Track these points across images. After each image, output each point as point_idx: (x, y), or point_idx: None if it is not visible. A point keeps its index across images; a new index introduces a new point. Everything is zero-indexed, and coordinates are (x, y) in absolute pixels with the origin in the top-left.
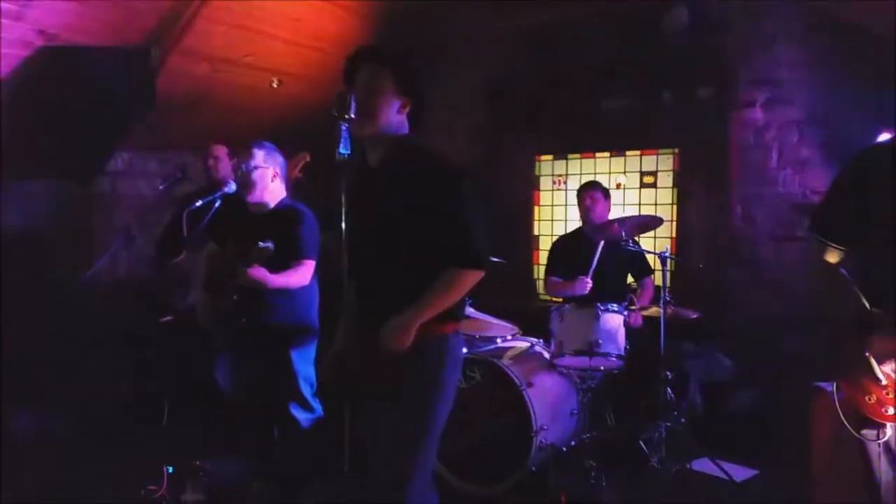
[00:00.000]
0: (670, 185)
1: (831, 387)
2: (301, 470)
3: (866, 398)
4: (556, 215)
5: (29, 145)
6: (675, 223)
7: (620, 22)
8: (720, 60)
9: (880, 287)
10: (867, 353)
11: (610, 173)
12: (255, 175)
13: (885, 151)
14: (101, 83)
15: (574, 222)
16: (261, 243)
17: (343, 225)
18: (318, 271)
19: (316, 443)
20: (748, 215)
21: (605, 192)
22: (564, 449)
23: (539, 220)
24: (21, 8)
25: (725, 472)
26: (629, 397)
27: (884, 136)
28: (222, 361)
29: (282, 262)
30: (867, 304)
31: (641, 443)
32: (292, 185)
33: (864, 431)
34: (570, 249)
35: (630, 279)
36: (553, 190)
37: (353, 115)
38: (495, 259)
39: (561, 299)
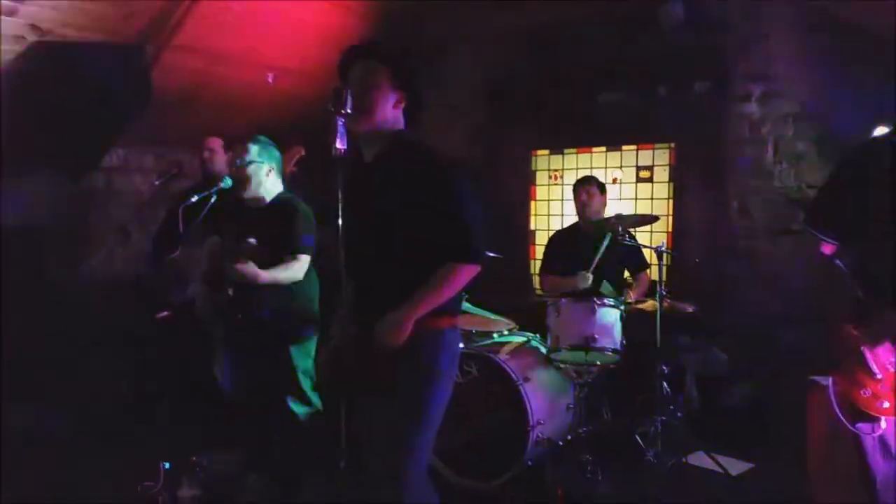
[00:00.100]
0: (666, 179)
1: (827, 381)
2: (298, 465)
3: (861, 392)
4: (552, 210)
5: (22, 142)
6: (671, 217)
7: (617, 18)
8: (716, 55)
9: (876, 280)
10: (862, 347)
11: (606, 168)
12: (250, 170)
13: (881, 146)
14: (95, 79)
15: (570, 217)
16: (249, 239)
17: (339, 220)
18: (317, 266)
19: (313, 438)
20: (744, 209)
21: (602, 187)
22: (561, 443)
23: (535, 215)
24: (14, 3)
25: (721, 466)
26: (625, 391)
27: (879, 131)
28: (220, 356)
29: (276, 257)
30: (863, 298)
31: (637, 437)
32: (288, 179)
33: (860, 425)
34: (566, 244)
35: (626, 273)
36: (549, 185)
37: (349, 111)
38: (492, 254)
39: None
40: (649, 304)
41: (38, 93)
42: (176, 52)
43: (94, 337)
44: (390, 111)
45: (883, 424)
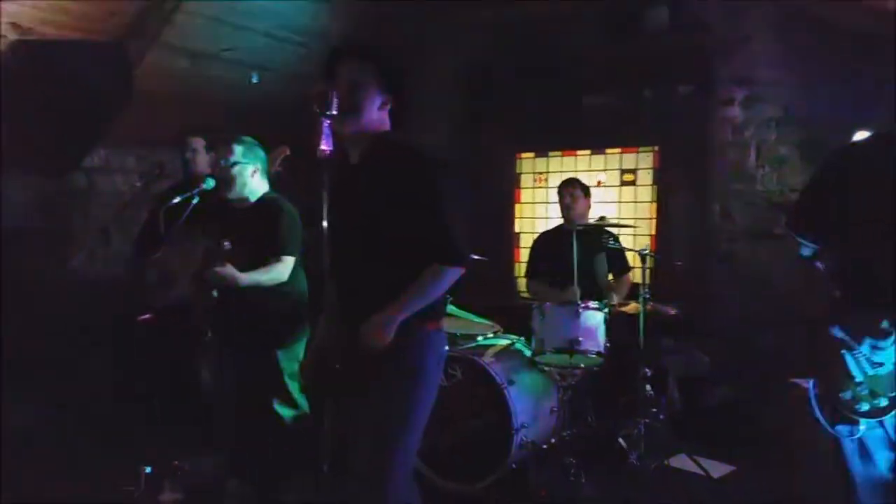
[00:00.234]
0: (650, 182)
1: (807, 383)
2: (282, 468)
3: (841, 395)
4: (537, 213)
5: (2, 141)
6: (654, 220)
7: (601, 20)
8: (699, 59)
9: (855, 283)
10: (843, 350)
11: (590, 171)
12: (235, 170)
13: (861, 150)
14: (77, 78)
15: (555, 220)
16: (225, 242)
17: (324, 222)
18: (304, 268)
19: (298, 441)
20: (726, 213)
21: (585, 189)
22: (545, 446)
23: (520, 218)
24: None
25: (703, 468)
26: (609, 394)
27: (859, 135)
28: (207, 358)
29: (261, 258)
30: (842, 301)
31: (621, 439)
32: (273, 179)
33: (839, 428)
34: (551, 246)
35: (609, 276)
36: (534, 187)
37: (334, 112)
38: (476, 257)
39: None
40: (632, 307)
41: (19, 91)
42: (159, 51)
43: (75, 339)
44: (376, 112)
45: (862, 427)
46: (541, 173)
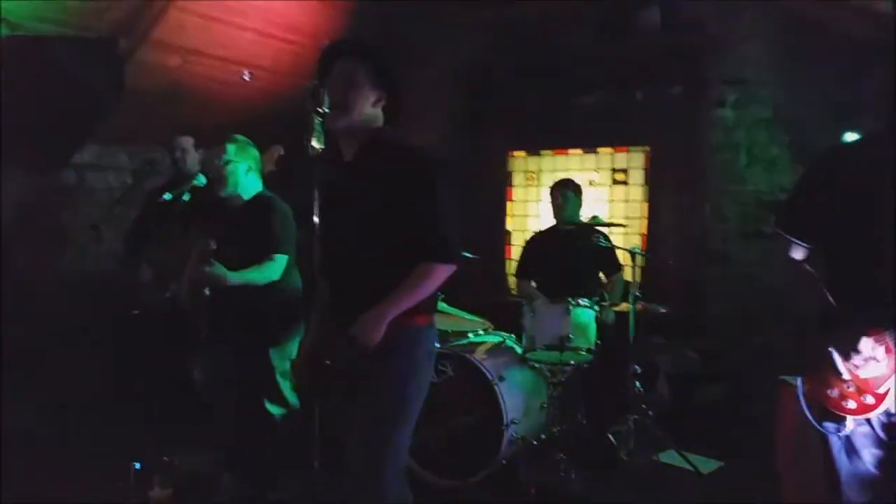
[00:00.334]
0: (641, 182)
1: (796, 380)
2: (273, 465)
3: (829, 392)
4: (528, 211)
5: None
6: (646, 220)
7: (593, 20)
8: (691, 59)
9: (844, 283)
10: (831, 348)
11: (582, 170)
12: (228, 169)
13: (851, 151)
14: (67, 74)
15: (546, 218)
16: (210, 242)
17: (315, 219)
18: (298, 266)
19: (288, 438)
20: (717, 212)
21: (577, 189)
22: (535, 442)
23: (512, 216)
24: None
25: (692, 464)
26: (599, 391)
27: (849, 136)
28: (199, 356)
29: (253, 257)
30: (832, 300)
31: (611, 436)
32: (267, 178)
33: (826, 424)
34: (543, 246)
35: (602, 275)
36: (526, 186)
37: (326, 109)
38: (468, 254)
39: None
40: (623, 306)
41: (10, 87)
42: (151, 49)
43: (67, 336)
44: (370, 109)
45: (849, 424)
46: (533, 172)
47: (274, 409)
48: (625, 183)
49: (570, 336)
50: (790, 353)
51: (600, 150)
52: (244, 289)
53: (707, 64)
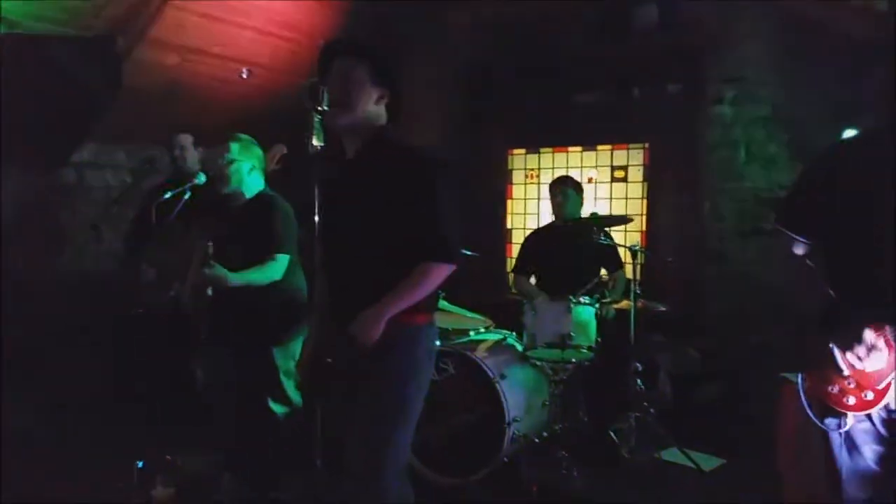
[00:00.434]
0: (640, 179)
1: (796, 377)
2: (275, 464)
3: (829, 388)
4: (528, 209)
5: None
6: (645, 217)
7: (593, 18)
8: (690, 58)
9: (845, 280)
10: (831, 344)
11: (582, 167)
12: (232, 168)
13: (852, 148)
14: (65, 72)
15: (547, 216)
16: (208, 243)
17: (315, 218)
18: (302, 265)
19: (291, 438)
20: (716, 210)
21: (577, 187)
22: (537, 440)
23: (512, 214)
24: None
25: (693, 462)
26: (601, 389)
27: (848, 133)
28: (203, 355)
29: (256, 256)
30: (832, 297)
31: (612, 433)
32: (269, 177)
33: (827, 421)
34: (543, 244)
35: (602, 272)
36: (526, 184)
37: (325, 107)
38: (468, 252)
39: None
40: (624, 303)
41: (7, 86)
42: (149, 47)
43: (64, 336)
44: (371, 107)
45: (849, 421)
46: (532, 169)
47: (277, 409)
48: (624, 180)
49: (572, 334)
50: (790, 350)
51: (600, 147)
52: (246, 289)
53: (706, 62)
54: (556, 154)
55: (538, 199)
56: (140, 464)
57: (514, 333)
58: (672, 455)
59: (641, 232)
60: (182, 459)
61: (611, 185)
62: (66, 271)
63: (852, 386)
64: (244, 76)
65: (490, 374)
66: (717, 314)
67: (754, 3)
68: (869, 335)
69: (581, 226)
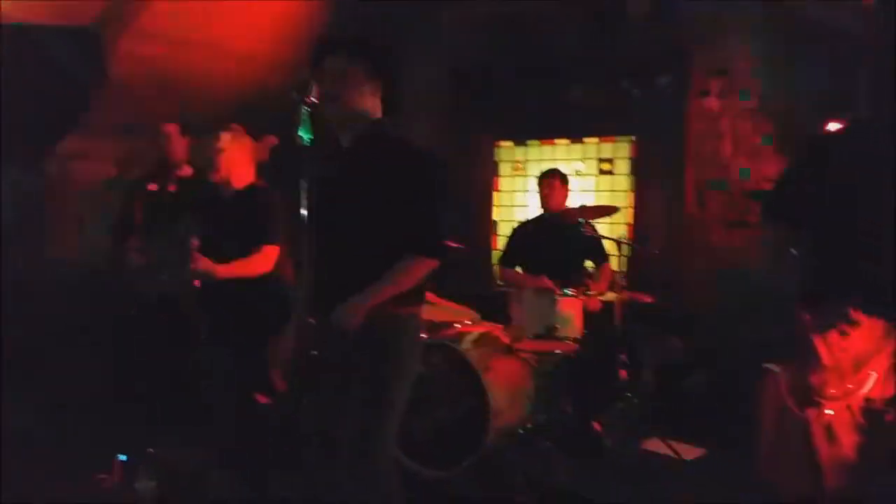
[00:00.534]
0: (627, 172)
1: (779, 368)
2: (264, 459)
3: (810, 379)
4: (515, 201)
5: None
6: (632, 209)
7: (580, 10)
8: (677, 50)
9: (828, 270)
10: (813, 335)
11: (569, 160)
12: (222, 159)
13: (838, 140)
14: (50, 63)
15: (534, 208)
16: (193, 239)
17: (304, 211)
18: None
19: (280, 431)
20: (702, 202)
21: (564, 179)
22: (521, 431)
23: (498, 206)
24: None
25: (675, 452)
26: (585, 380)
27: (832, 126)
28: (193, 349)
29: (245, 248)
30: (815, 287)
31: (596, 424)
32: (260, 168)
33: (808, 411)
34: (530, 236)
35: (589, 264)
36: (513, 176)
37: (314, 99)
38: (454, 244)
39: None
40: (609, 295)
41: None
42: (136, 38)
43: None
44: (367, 100)
45: (829, 411)
46: (519, 162)
47: (266, 402)
48: (611, 173)
49: (557, 325)
50: (773, 341)
51: (587, 140)
52: (235, 281)
53: (692, 54)
54: (543, 146)
55: (525, 191)
56: (123, 457)
57: (499, 326)
58: (655, 445)
59: (628, 224)
60: (169, 453)
61: (598, 177)
62: (52, 264)
63: (833, 376)
64: (231, 67)
65: (475, 366)
66: (701, 305)
67: None
68: (849, 324)
69: (568, 218)
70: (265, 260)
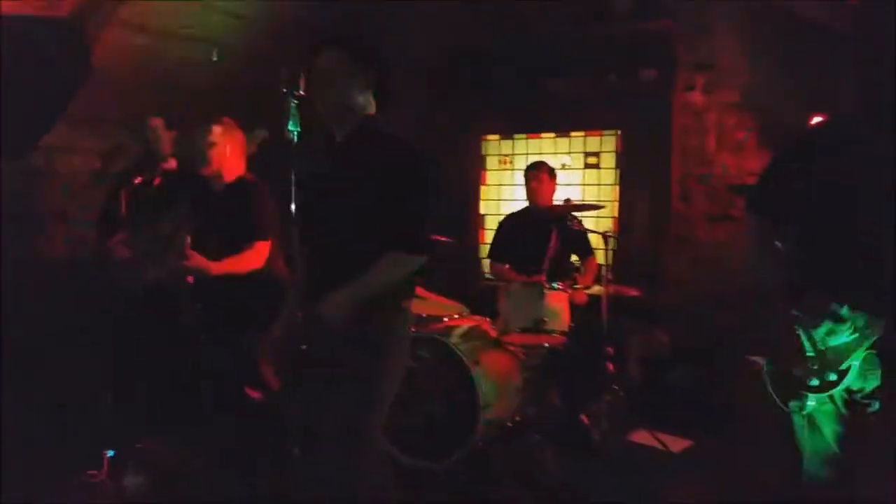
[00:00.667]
0: (613, 165)
1: (762, 360)
2: (253, 451)
3: (793, 371)
4: (502, 195)
5: None
6: (617, 203)
7: (566, 4)
8: (663, 44)
9: (811, 263)
10: (796, 327)
11: (555, 154)
12: (214, 153)
13: (821, 133)
14: (32, 54)
15: (521, 202)
16: (187, 237)
17: (292, 205)
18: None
19: (268, 424)
20: (686, 196)
21: (551, 173)
22: (510, 424)
23: (485, 200)
24: None
25: (662, 443)
26: (573, 373)
27: (815, 120)
28: (182, 342)
29: (236, 243)
30: (799, 280)
31: (584, 416)
32: (250, 161)
33: (790, 403)
34: (517, 229)
35: (574, 258)
36: (500, 170)
37: (302, 92)
38: (442, 238)
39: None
40: (596, 289)
41: None
42: (118, 28)
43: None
44: (359, 95)
45: (811, 403)
46: (506, 155)
47: (254, 395)
48: (597, 167)
49: (545, 319)
50: (756, 334)
51: (573, 133)
52: (227, 277)
53: (678, 49)
54: (529, 140)
55: (512, 185)
56: (111, 452)
57: (487, 319)
58: (642, 437)
59: (613, 218)
60: (157, 447)
61: (584, 171)
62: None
63: (815, 368)
64: (214, 59)
65: (464, 359)
66: (686, 299)
67: None
68: (832, 317)
69: (554, 211)
70: (257, 256)
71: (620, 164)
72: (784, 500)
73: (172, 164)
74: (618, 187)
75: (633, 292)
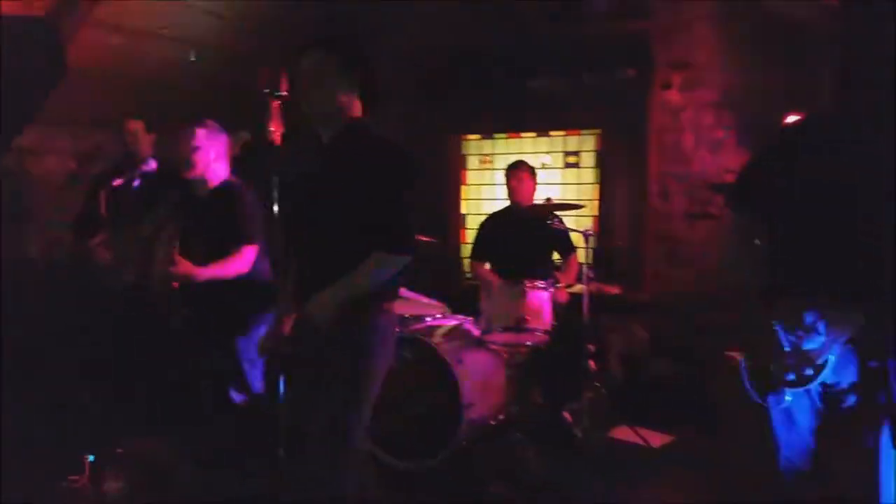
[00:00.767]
0: (593, 164)
1: (740, 356)
2: (238, 453)
3: (770, 366)
4: (483, 194)
5: None
6: (597, 202)
7: (544, 4)
8: (640, 43)
9: (789, 260)
10: (774, 322)
11: (535, 153)
12: (196, 155)
13: (799, 131)
14: (6, 53)
15: (502, 202)
16: (173, 243)
17: (276, 207)
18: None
19: (253, 426)
20: (665, 194)
21: (532, 172)
22: (493, 423)
23: (466, 200)
24: None
25: (643, 439)
26: (555, 371)
27: (791, 119)
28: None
29: (222, 246)
30: (776, 275)
31: (566, 414)
32: (233, 164)
33: (768, 398)
34: (498, 229)
35: (556, 256)
36: (480, 169)
37: (284, 93)
38: (424, 238)
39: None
40: (577, 287)
41: None
42: (93, 28)
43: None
44: (343, 98)
45: (788, 397)
46: (487, 155)
47: (238, 398)
48: (577, 166)
49: (527, 317)
50: (734, 329)
51: (553, 133)
52: (213, 281)
53: (655, 47)
54: (510, 140)
55: (493, 184)
56: (92, 457)
57: (469, 318)
58: (623, 433)
59: (594, 216)
60: (141, 448)
61: (564, 170)
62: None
63: (792, 362)
64: (193, 59)
65: (447, 359)
66: (666, 295)
67: None
68: (810, 314)
69: (535, 211)
70: (243, 260)
71: (600, 163)
72: (762, 493)
73: (152, 165)
74: (597, 186)
75: (614, 290)
